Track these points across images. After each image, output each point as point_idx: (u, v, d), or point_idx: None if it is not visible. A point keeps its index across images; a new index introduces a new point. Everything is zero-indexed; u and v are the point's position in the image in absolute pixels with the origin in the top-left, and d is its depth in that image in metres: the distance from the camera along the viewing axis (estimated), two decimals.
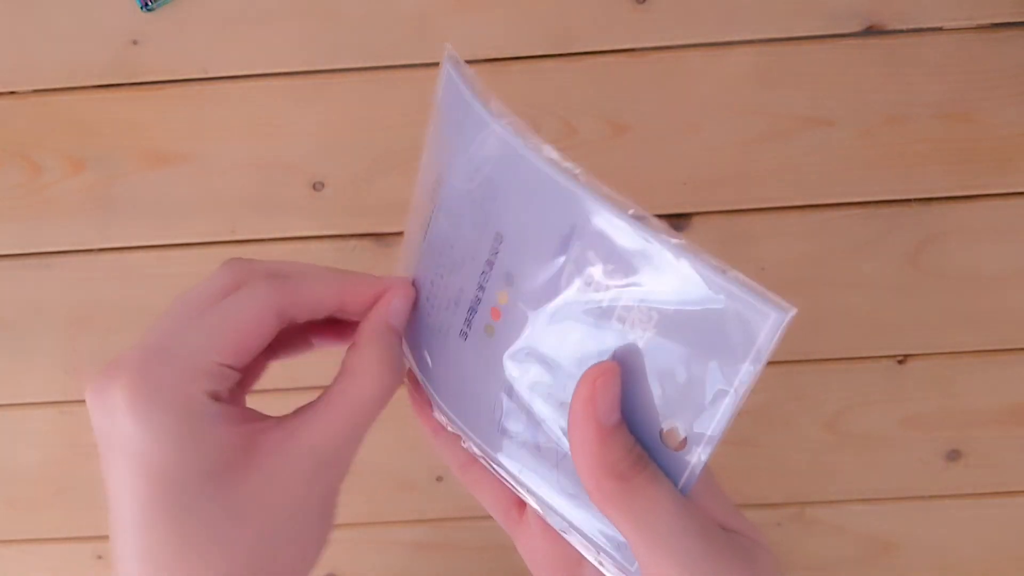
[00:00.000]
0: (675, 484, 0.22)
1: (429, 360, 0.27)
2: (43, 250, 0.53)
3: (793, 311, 0.20)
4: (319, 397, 0.25)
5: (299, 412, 0.24)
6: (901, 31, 0.49)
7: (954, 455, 0.54)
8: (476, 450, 0.27)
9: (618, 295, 0.22)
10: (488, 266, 0.24)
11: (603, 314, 0.22)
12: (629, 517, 0.21)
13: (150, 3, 0.50)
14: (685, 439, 0.22)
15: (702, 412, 0.21)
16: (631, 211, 0.21)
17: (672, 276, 0.21)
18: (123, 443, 0.21)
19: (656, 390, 0.22)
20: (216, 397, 0.22)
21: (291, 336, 0.28)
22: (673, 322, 0.21)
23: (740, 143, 0.50)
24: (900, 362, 0.53)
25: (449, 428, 0.28)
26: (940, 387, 0.53)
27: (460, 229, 0.25)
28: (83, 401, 0.22)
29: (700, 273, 0.21)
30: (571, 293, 0.23)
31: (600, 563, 0.24)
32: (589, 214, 0.22)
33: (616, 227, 0.21)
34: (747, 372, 0.20)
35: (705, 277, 0.21)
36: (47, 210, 0.52)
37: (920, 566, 0.55)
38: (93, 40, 0.51)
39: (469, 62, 0.26)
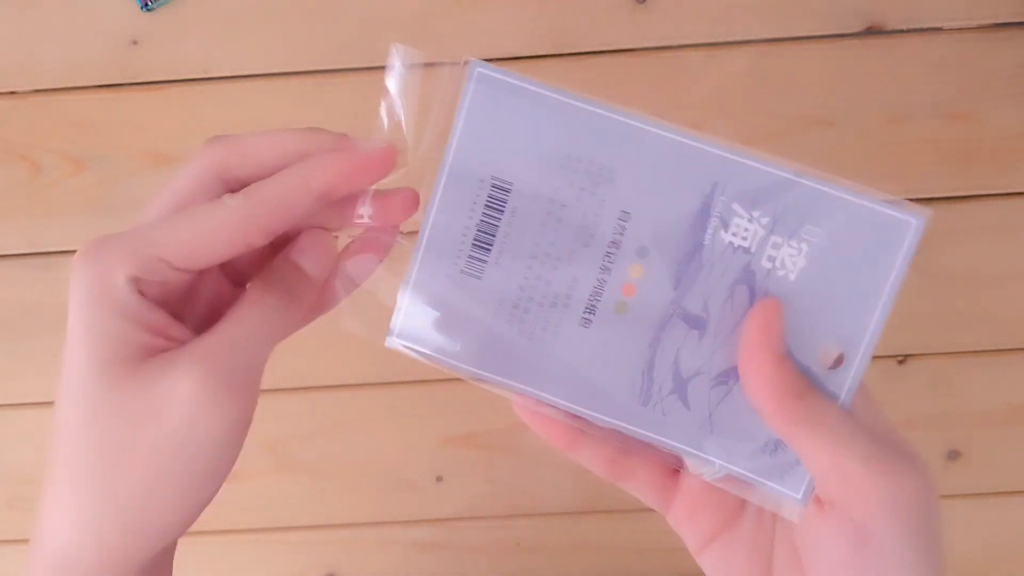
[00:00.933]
0: (836, 400, 0.24)
1: (536, 368, 0.26)
2: (43, 250, 0.53)
3: (929, 212, 0.22)
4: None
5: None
6: (901, 31, 0.49)
7: (954, 455, 0.54)
8: (616, 431, 0.27)
9: (766, 236, 0.24)
10: (614, 246, 0.25)
11: (753, 257, 0.24)
12: (812, 429, 0.23)
13: (150, 3, 0.50)
14: (840, 356, 0.24)
15: (854, 329, 0.24)
16: (763, 157, 0.24)
17: (815, 205, 0.23)
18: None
19: (809, 316, 0.24)
20: (141, 290, 0.22)
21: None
22: (820, 249, 0.24)
23: (740, 143, 0.50)
24: (900, 362, 0.53)
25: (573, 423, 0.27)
26: (940, 387, 0.53)
27: (560, 223, 0.25)
28: None
29: (842, 196, 0.23)
30: (718, 246, 0.24)
31: (761, 499, 0.26)
32: (729, 167, 0.24)
33: (758, 173, 0.24)
34: (894, 281, 0.23)
35: (847, 200, 0.23)
36: (47, 210, 0.52)
37: None
38: (93, 40, 0.51)
39: (469, 63, 0.26)
